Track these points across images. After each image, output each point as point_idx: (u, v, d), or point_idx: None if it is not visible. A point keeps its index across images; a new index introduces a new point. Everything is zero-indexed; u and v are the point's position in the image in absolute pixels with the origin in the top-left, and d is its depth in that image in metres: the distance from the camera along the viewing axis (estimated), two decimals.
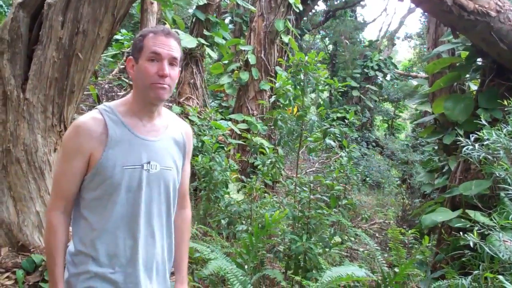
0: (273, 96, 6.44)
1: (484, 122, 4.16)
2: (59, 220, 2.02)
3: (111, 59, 10.61)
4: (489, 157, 3.88)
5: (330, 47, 23.42)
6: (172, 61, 2.03)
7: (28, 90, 3.96)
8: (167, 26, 9.35)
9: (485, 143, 3.95)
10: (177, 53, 2.06)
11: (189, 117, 8.00)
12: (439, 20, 7.35)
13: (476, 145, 3.97)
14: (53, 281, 2.03)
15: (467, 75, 6.55)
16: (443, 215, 5.23)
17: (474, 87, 6.91)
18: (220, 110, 13.01)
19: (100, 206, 2.01)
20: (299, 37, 14.18)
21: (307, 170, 11.27)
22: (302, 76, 5.66)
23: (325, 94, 17.87)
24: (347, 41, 21.20)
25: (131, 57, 2.09)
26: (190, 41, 8.63)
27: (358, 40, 22.30)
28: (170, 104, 9.07)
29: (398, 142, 19.30)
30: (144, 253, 2.09)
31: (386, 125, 24.01)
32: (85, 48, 4.10)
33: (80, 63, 4.11)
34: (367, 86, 18.42)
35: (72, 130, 2.01)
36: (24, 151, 3.94)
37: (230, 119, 9.58)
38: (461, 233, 4.10)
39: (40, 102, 3.99)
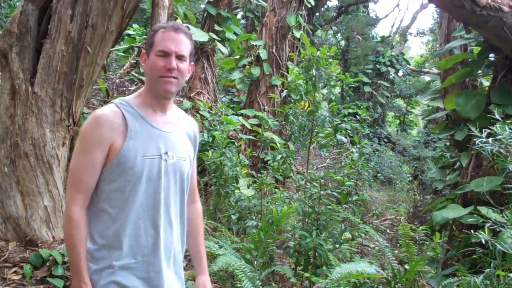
0: (284, 91, 6.40)
1: (497, 117, 4.09)
2: (80, 215, 2.02)
3: (123, 54, 10.63)
4: (502, 151, 3.82)
5: (342, 42, 23.31)
6: (180, 56, 2.08)
7: (36, 84, 3.96)
8: (179, 21, 9.34)
9: (498, 137, 3.89)
10: (186, 48, 2.11)
11: (200, 112, 7.99)
12: (451, 15, 7.27)
13: (490, 139, 3.91)
14: (79, 276, 2.00)
15: (479, 71, 6.47)
16: (454, 211, 5.17)
17: (486, 83, 6.84)
18: (231, 105, 12.99)
19: (121, 197, 2.02)
20: (311, 33, 14.11)
21: (318, 166, 11.22)
22: (314, 71, 5.62)
23: (337, 90, 17.79)
24: (359, 37, 21.07)
25: (144, 51, 2.17)
26: (201, 36, 8.60)
27: (370, 35, 22.16)
28: (181, 99, 9.06)
29: (410, 138, 19.19)
30: (164, 242, 2.12)
31: (398, 121, 23.88)
32: (94, 42, 4.09)
33: (89, 57, 4.10)
34: (379, 82, 18.30)
35: (91, 121, 2.03)
36: (32, 145, 3.94)
37: (241, 114, 9.55)
38: (472, 230, 4.05)
39: (49, 96, 3.99)
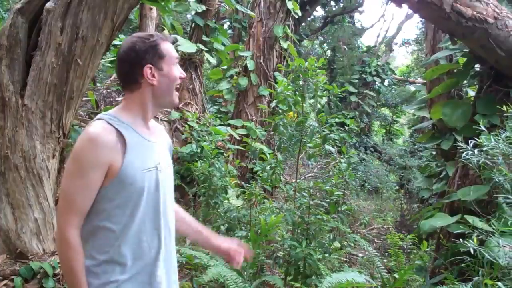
0: (273, 101, 6.45)
1: (482, 128, 4.17)
2: (77, 238, 1.96)
3: (109, 65, 10.61)
4: (488, 162, 3.89)
5: (329, 52, 23.46)
6: None
7: (26, 96, 3.96)
8: (166, 31, 9.37)
9: (483, 149, 3.96)
10: None
11: (188, 122, 8.00)
12: (437, 26, 7.37)
13: (475, 150, 3.98)
14: None
15: (465, 81, 6.56)
16: (441, 220, 5.23)
17: (472, 93, 6.93)
18: (219, 116, 13.01)
19: (123, 213, 1.99)
20: (297, 43, 14.20)
21: (306, 175, 11.27)
22: (301, 82, 5.67)
23: (324, 99, 17.88)
24: (345, 47, 21.23)
25: (150, 65, 2.06)
26: (189, 47, 8.62)
27: (356, 45, 22.33)
28: (169, 110, 9.06)
29: (396, 147, 19.33)
30: (165, 251, 2.13)
31: (384, 130, 24.03)
32: (84, 54, 4.10)
33: (79, 69, 4.11)
34: (365, 91, 18.44)
35: (86, 142, 1.96)
36: (23, 158, 3.93)
37: (229, 125, 9.58)
38: (460, 239, 4.10)
39: (39, 108, 3.99)
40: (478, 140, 4.05)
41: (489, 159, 3.89)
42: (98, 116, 2.07)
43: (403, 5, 5.47)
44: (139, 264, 2.03)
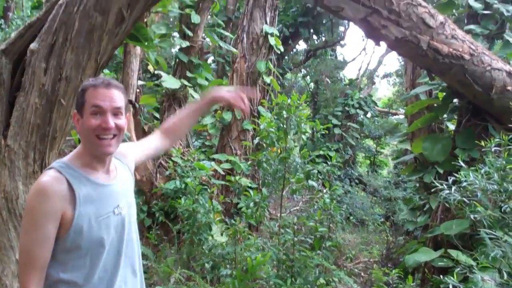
0: (257, 138, 6.51)
1: (461, 163, 4.23)
2: None
3: None
4: (465, 200, 3.95)
5: (312, 85, 23.71)
6: (115, 112, 2.04)
7: (9, 136, 3.95)
8: (150, 67, 9.44)
9: (462, 185, 4.02)
10: (121, 102, 2.07)
11: (172, 158, 8.00)
12: (415, 63, 7.55)
13: (453, 188, 4.04)
14: None
15: (445, 116, 6.68)
16: (425, 255, 5.26)
17: (452, 126, 7.06)
18: (203, 149, 13.01)
19: (83, 264, 1.97)
20: (280, 77, 14.38)
21: (291, 209, 11.26)
22: (284, 118, 5.74)
23: (308, 133, 17.95)
24: (328, 80, 21.48)
25: (75, 111, 2.09)
26: (173, 83, 8.69)
27: (338, 78, 22.60)
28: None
29: (381, 179, 19.41)
30: None
31: (368, 161, 24.16)
32: (68, 94, 4.12)
33: (63, 109, 4.12)
34: (348, 124, 18.61)
35: (37, 193, 1.95)
36: (5, 199, 3.90)
37: (214, 159, 9.59)
38: (443, 273, 4.12)
39: (22, 149, 3.98)
40: (457, 176, 4.11)
41: (467, 196, 3.94)
42: (51, 164, 2.06)
43: (381, 42, 5.59)
44: None
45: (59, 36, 4.05)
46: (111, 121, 2.00)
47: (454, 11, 7.64)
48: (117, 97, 2.05)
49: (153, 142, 2.57)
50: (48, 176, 1.97)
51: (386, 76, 25.81)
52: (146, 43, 5.14)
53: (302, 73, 25.15)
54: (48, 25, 4.13)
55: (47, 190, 1.92)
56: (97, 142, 2.00)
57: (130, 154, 2.39)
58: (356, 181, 18.24)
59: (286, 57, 20.04)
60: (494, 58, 5.70)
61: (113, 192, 2.09)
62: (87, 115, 2.00)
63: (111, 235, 2.02)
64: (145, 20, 7.66)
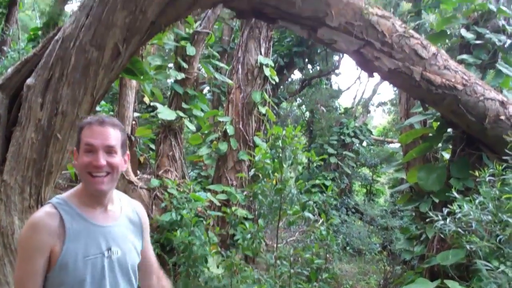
0: (252, 169, 6.52)
1: (455, 194, 4.25)
2: None
3: None
4: (460, 231, 3.95)
5: (307, 114, 23.80)
6: (108, 150, 2.05)
7: (5, 171, 3.96)
8: (146, 99, 9.48)
9: (457, 216, 4.03)
10: (115, 141, 2.08)
11: (168, 190, 7.99)
12: (409, 94, 7.62)
13: (448, 219, 4.05)
14: None
15: (439, 145, 6.72)
16: (422, 286, 5.22)
17: (447, 156, 7.09)
18: (199, 179, 12.99)
19: None
20: (275, 107, 14.46)
21: (288, 239, 11.20)
22: (280, 149, 5.77)
23: (304, 160, 17.97)
24: (323, 109, 21.58)
25: (74, 148, 2.12)
26: (169, 114, 8.72)
27: (334, 107, 22.69)
28: (149, 176, 9.06)
29: (378, 208, 19.36)
30: None
31: (365, 190, 24.12)
32: (64, 129, 4.15)
33: (59, 143, 4.15)
34: (344, 152, 18.64)
35: (28, 228, 1.99)
36: (0, 233, 3.90)
37: (210, 190, 9.57)
38: None
39: (18, 184, 3.99)
40: (451, 208, 4.12)
41: (462, 227, 3.95)
42: (50, 199, 2.09)
43: (374, 74, 5.66)
44: None
45: (56, 71, 4.10)
46: (102, 159, 2.02)
47: (447, 40, 7.76)
48: (111, 135, 2.07)
49: (150, 273, 2.45)
50: (42, 211, 2.01)
51: (381, 104, 25.98)
52: (141, 77, 5.19)
53: (298, 102, 25.27)
54: (45, 60, 4.18)
55: (38, 224, 1.96)
56: (89, 179, 2.03)
57: (146, 228, 2.36)
58: (353, 210, 18.18)
59: (281, 86, 20.15)
60: (487, 88, 5.77)
61: (107, 234, 2.09)
62: (82, 152, 2.04)
63: (97, 277, 2.01)
64: (140, 52, 7.73)
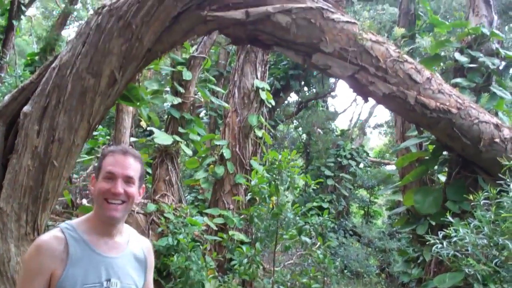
0: (249, 194, 6.52)
1: (450, 219, 4.26)
2: None
3: (86, 156, 10.63)
4: (457, 254, 3.96)
5: (304, 136, 23.86)
6: (127, 179, 2.11)
7: (2, 199, 3.97)
8: (143, 122, 9.53)
9: (453, 240, 4.04)
10: (134, 171, 2.15)
11: (165, 214, 7.97)
12: (403, 117, 7.66)
13: (445, 242, 4.06)
14: None
15: (435, 168, 6.74)
16: None
17: (443, 178, 7.11)
18: (196, 203, 12.96)
19: None
20: (272, 130, 14.50)
21: (285, 263, 11.14)
22: (276, 173, 5.79)
23: (301, 183, 17.97)
24: (320, 131, 21.65)
25: (94, 175, 2.19)
26: (165, 139, 8.75)
27: (330, 129, 22.77)
28: (146, 201, 9.04)
29: (375, 230, 19.30)
30: None
31: (362, 211, 24.07)
32: (60, 156, 4.17)
33: (55, 170, 4.16)
34: (341, 174, 18.64)
35: (33, 249, 2.02)
36: None
37: (206, 214, 9.55)
38: None
39: (14, 211, 3.99)
40: (447, 232, 4.13)
41: (458, 250, 3.96)
42: (60, 224, 2.13)
43: (369, 98, 5.70)
44: None
45: (52, 99, 4.13)
46: (120, 188, 2.08)
47: (441, 64, 7.84)
48: (132, 166, 2.14)
49: None
50: (49, 235, 2.05)
51: (377, 126, 26.09)
52: (138, 103, 5.22)
53: (294, 124, 25.34)
54: (41, 87, 4.22)
55: (42, 247, 2.00)
56: (105, 205, 2.07)
57: (150, 267, 2.36)
58: (351, 232, 18.12)
59: (278, 109, 20.24)
60: (481, 111, 5.81)
61: (109, 265, 2.10)
62: (101, 179, 2.11)
63: None
64: (137, 77, 7.79)
